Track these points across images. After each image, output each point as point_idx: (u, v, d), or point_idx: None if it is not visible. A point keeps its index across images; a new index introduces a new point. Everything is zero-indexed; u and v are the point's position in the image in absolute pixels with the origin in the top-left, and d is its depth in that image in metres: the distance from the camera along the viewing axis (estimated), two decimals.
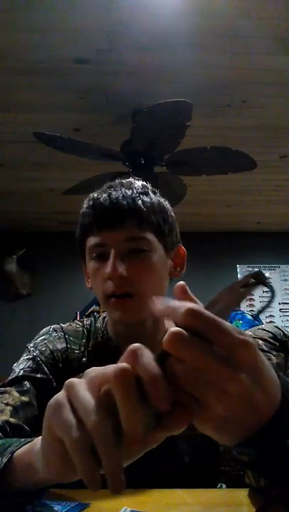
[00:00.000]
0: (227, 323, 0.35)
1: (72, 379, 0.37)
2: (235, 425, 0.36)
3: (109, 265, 0.70)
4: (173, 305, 0.36)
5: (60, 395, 0.37)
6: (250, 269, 4.83)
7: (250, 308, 4.62)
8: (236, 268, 4.81)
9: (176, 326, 0.35)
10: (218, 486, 0.76)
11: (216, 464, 0.76)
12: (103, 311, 0.95)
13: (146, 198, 0.75)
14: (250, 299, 4.77)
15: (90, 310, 4.36)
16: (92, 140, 2.45)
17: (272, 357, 1.60)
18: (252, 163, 2.52)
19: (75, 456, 0.33)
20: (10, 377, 0.77)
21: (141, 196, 0.75)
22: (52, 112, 2.56)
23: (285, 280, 4.83)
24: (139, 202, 0.74)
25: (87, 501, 0.55)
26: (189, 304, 0.35)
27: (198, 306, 0.35)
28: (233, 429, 0.36)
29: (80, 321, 0.89)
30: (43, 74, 2.24)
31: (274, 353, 1.61)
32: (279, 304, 4.78)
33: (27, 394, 0.73)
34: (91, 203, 0.76)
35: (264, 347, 1.61)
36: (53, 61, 2.15)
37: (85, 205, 0.78)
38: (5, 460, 0.51)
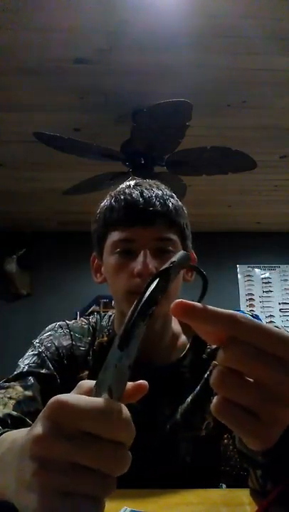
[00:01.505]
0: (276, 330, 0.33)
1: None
2: (280, 429, 0.34)
3: (139, 262, 0.71)
4: (221, 313, 0.33)
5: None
6: (250, 268, 4.84)
7: (250, 309, 4.62)
8: (236, 268, 4.81)
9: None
10: (218, 486, 0.76)
11: (217, 464, 0.76)
12: (103, 311, 0.95)
13: (174, 201, 0.77)
14: (250, 299, 4.78)
15: (90, 310, 4.36)
16: (92, 140, 2.45)
17: None
18: (252, 163, 2.52)
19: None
20: (15, 372, 0.78)
21: (171, 199, 0.77)
22: (52, 112, 2.55)
23: (285, 280, 4.83)
24: (170, 204, 0.76)
25: None
26: (238, 314, 0.33)
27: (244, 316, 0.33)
28: (278, 434, 0.34)
29: (86, 319, 0.90)
30: (43, 74, 2.24)
31: None
32: (279, 304, 4.78)
33: (31, 389, 0.73)
34: (122, 196, 0.76)
35: None
36: (53, 61, 2.15)
37: (111, 200, 0.78)
38: None
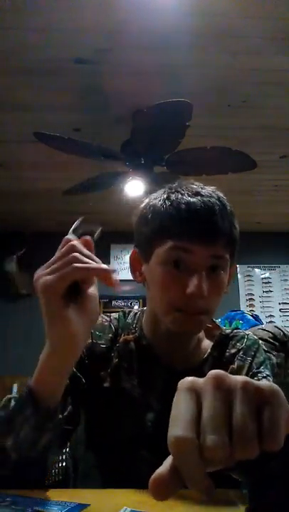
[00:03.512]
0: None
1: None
2: None
3: (194, 284, 0.68)
4: None
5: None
6: (250, 269, 4.83)
7: (250, 309, 4.62)
8: (236, 268, 4.80)
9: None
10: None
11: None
12: (103, 311, 0.95)
13: (234, 219, 0.76)
14: (250, 299, 4.77)
15: None
16: (92, 140, 2.45)
17: (273, 357, 1.60)
18: (252, 163, 2.52)
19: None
20: None
21: (232, 216, 0.75)
22: (52, 112, 2.55)
23: (285, 280, 4.83)
24: (232, 221, 0.74)
25: (87, 501, 0.55)
26: None
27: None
28: None
29: (107, 315, 0.89)
30: (43, 74, 2.24)
31: (274, 353, 1.62)
32: (279, 304, 4.77)
33: None
34: (183, 205, 0.71)
35: (264, 347, 1.61)
36: (53, 61, 2.15)
37: (170, 205, 0.73)
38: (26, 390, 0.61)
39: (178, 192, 0.74)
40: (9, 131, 2.72)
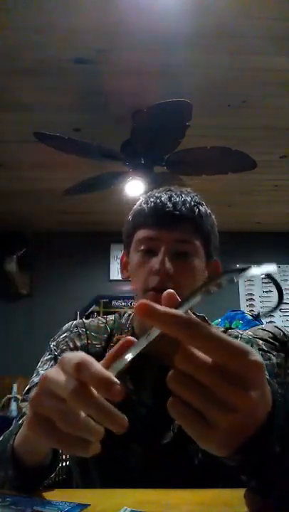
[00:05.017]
0: (236, 343, 0.36)
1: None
2: (234, 436, 0.37)
3: (158, 260, 0.75)
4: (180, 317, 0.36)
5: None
6: None
7: (250, 309, 4.62)
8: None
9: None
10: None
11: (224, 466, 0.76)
12: (103, 311, 0.96)
13: (202, 208, 0.81)
14: (250, 299, 4.77)
15: (90, 310, 4.36)
16: (92, 140, 2.45)
17: (273, 357, 1.60)
18: (252, 163, 2.52)
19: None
20: (35, 380, 0.80)
21: (198, 206, 0.81)
22: (52, 112, 2.55)
23: (285, 280, 4.83)
24: (197, 210, 0.80)
25: (87, 501, 0.55)
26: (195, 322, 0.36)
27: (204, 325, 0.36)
28: (232, 441, 0.37)
29: (104, 318, 0.92)
30: (43, 74, 2.24)
31: (274, 353, 1.61)
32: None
33: None
34: (152, 199, 0.80)
35: (264, 347, 1.62)
36: (53, 61, 2.15)
37: (142, 201, 0.82)
38: (8, 455, 0.60)
39: (152, 192, 0.83)
40: (9, 131, 2.72)
